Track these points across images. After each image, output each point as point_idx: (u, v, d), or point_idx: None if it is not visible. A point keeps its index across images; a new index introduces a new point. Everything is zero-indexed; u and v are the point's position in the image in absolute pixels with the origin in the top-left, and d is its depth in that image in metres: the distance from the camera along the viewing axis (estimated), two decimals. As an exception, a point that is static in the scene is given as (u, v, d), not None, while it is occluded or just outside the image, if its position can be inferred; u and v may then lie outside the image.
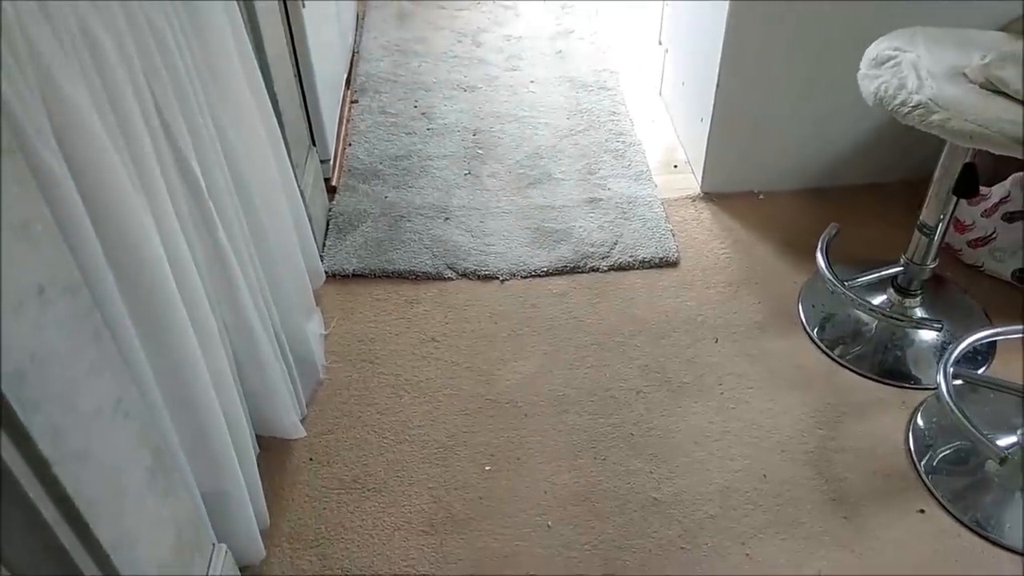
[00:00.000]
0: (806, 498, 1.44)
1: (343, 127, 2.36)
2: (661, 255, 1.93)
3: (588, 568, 1.36)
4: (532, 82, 2.62)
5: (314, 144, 2.01)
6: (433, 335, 1.78)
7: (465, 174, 2.22)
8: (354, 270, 1.93)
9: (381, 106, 2.50)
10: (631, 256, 1.94)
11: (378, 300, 1.87)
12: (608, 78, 2.61)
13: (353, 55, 2.73)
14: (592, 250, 1.96)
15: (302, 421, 1.57)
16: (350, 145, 2.32)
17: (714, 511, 1.43)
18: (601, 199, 2.11)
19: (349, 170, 2.23)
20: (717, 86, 1.97)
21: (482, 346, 1.75)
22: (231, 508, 1.20)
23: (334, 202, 2.12)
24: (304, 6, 1.82)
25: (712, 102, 2.00)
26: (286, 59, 1.76)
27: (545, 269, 1.93)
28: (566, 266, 1.93)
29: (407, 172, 2.23)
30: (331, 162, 2.14)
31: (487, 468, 1.52)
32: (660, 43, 2.52)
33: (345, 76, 2.55)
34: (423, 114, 2.48)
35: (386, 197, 2.14)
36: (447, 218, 2.07)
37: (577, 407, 1.62)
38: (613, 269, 1.92)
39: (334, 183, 2.16)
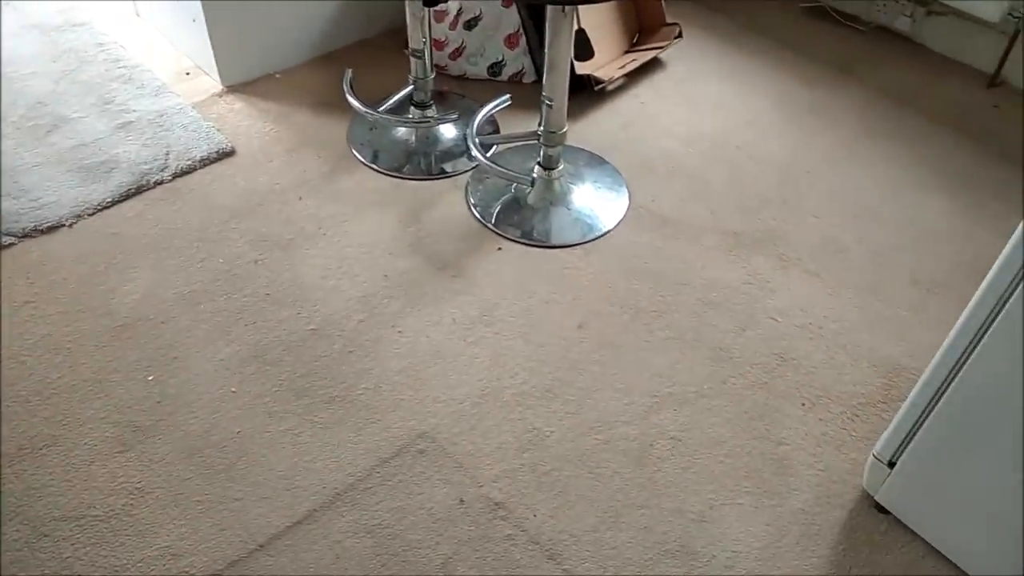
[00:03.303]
0: (422, 276, 1.77)
1: None
2: (216, 149, 2.03)
3: (286, 404, 1.52)
4: (-9, 39, 2.39)
5: None
6: (25, 300, 1.68)
7: (-33, 145, 2.01)
8: None
9: None
10: (188, 159, 2.00)
11: (-63, 294, 1.68)
12: (76, 15, 2.49)
13: None
14: (147, 167, 1.98)
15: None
16: None
17: (362, 316, 1.68)
18: (131, 121, 2.10)
19: None
20: (197, -16, 2.07)
21: (82, 287, 1.71)
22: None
23: None
24: None
25: (199, 3, 2.10)
26: None
27: (109, 200, 1.90)
28: (129, 190, 1.93)
29: None
30: None
31: (150, 379, 1.55)
32: (116, -35, 2.48)
33: None
34: None
35: None
36: (-28, 191, 1.89)
37: (207, 296, 1.71)
38: (177, 176, 1.97)
39: None
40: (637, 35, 2.44)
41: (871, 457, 1.35)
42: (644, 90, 2.31)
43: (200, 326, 1.65)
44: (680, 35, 2.38)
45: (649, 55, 2.34)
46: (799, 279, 1.80)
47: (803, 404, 1.56)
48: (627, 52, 2.39)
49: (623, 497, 1.41)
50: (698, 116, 2.24)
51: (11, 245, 1.79)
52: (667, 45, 2.36)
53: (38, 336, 1.61)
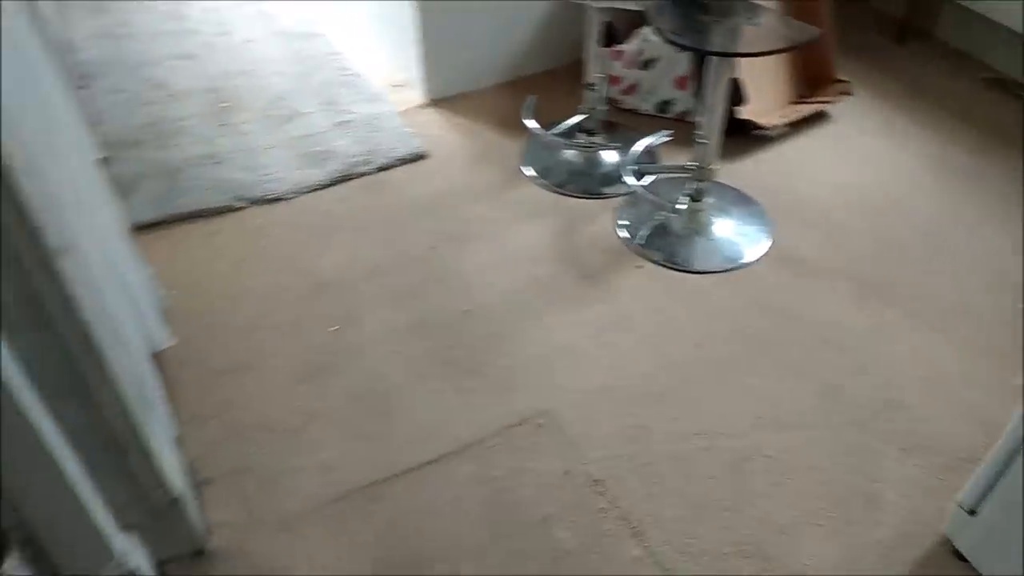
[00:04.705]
0: (567, 281, 2.00)
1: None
2: (413, 152, 2.38)
3: (435, 368, 1.80)
4: (248, 42, 2.89)
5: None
6: (243, 255, 2.08)
7: (220, 125, 2.48)
8: (151, 219, 2.14)
9: (112, 86, 2.64)
10: (389, 157, 2.36)
11: (179, 241, 2.11)
12: (315, 27, 2.96)
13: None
14: (355, 160, 2.35)
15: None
16: (97, 123, 2.45)
17: (509, 308, 1.94)
18: (349, 121, 2.50)
19: (105, 143, 2.37)
20: (417, 12, 2.42)
21: (294, 250, 2.09)
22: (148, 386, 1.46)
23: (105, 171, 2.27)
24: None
25: (416, 26, 2.46)
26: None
27: (323, 183, 2.28)
28: (339, 177, 2.30)
29: (164, 135, 2.44)
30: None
31: (332, 329, 1.89)
32: (355, -11, 2.91)
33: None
34: (156, 86, 2.66)
35: (154, 158, 2.34)
36: (219, 162, 2.33)
37: (389, 271, 2.03)
38: (379, 170, 2.33)
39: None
40: (807, 88, 2.56)
41: (954, 504, 1.42)
42: (805, 140, 2.43)
43: (380, 292, 1.97)
44: (850, 92, 2.47)
45: (814, 108, 2.45)
46: (924, 334, 1.86)
47: (903, 449, 1.64)
48: (794, 103, 2.51)
49: (712, 497, 1.56)
50: (853, 170, 2.32)
51: (242, 208, 2.21)
52: (835, 100, 2.47)
53: (251, 285, 1.99)
